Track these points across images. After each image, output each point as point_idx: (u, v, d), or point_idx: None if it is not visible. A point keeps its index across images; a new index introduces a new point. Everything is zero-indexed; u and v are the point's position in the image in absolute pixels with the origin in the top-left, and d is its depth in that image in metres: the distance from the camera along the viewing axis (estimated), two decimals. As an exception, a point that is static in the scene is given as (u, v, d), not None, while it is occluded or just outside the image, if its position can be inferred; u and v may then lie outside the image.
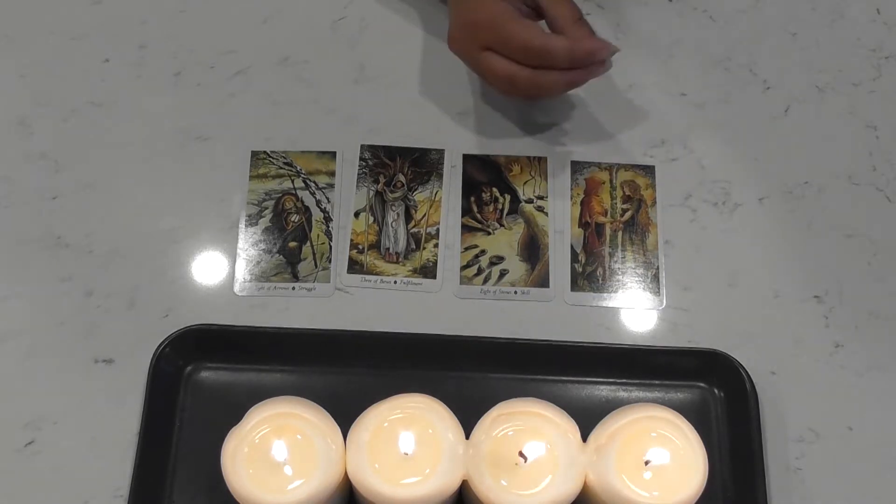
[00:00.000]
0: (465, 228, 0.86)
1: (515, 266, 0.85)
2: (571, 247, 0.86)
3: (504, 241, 0.86)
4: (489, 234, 0.86)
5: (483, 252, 0.85)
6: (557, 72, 0.83)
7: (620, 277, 0.85)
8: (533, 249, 0.85)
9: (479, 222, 0.86)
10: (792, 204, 0.88)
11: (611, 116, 0.91)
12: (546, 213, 0.87)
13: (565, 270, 0.85)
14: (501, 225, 0.86)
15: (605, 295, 0.84)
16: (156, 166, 0.88)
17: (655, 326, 0.83)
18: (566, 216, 0.87)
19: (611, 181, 0.88)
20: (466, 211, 0.87)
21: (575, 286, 0.84)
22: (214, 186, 0.87)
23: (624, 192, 0.88)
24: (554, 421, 0.70)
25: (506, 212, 0.87)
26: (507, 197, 0.87)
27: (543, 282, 0.84)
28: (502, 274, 0.84)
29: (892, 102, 0.92)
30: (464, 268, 0.84)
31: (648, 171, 0.89)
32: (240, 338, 0.80)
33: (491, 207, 0.87)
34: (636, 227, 0.87)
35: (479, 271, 0.84)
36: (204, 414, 0.78)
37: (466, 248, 0.85)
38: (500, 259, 0.85)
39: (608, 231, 0.87)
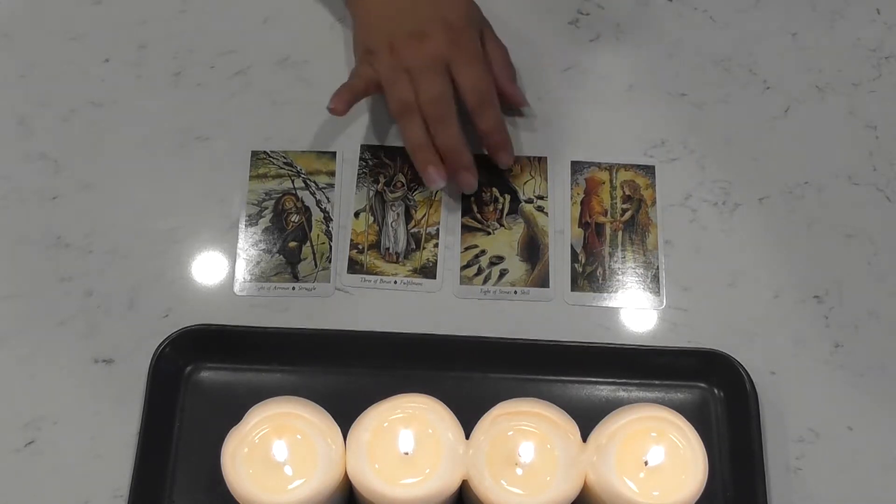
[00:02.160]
0: (465, 228, 0.86)
1: (515, 266, 0.85)
2: (571, 247, 0.86)
3: (504, 240, 0.86)
4: (489, 234, 0.86)
5: (483, 252, 0.85)
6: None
7: (620, 277, 0.85)
8: (533, 249, 0.85)
9: (479, 222, 0.86)
10: (792, 204, 0.88)
11: (611, 116, 0.91)
12: (546, 213, 0.87)
13: (565, 270, 0.85)
14: (501, 225, 0.86)
15: (605, 295, 0.84)
16: (156, 166, 0.88)
17: (655, 326, 0.83)
18: (566, 216, 0.87)
19: (611, 181, 0.88)
20: (466, 211, 0.87)
21: (575, 286, 0.84)
22: (214, 186, 0.87)
23: (624, 191, 0.88)
24: (554, 421, 0.70)
25: (506, 212, 0.87)
26: (507, 197, 0.87)
27: (543, 282, 0.84)
28: (502, 274, 0.84)
29: (892, 102, 0.92)
30: (464, 268, 0.84)
31: (648, 171, 0.89)
32: (240, 338, 0.80)
33: (491, 207, 0.87)
34: (636, 227, 0.87)
35: (479, 271, 0.84)
36: (204, 414, 0.78)
37: (466, 248, 0.85)
38: (500, 259, 0.85)
39: (608, 231, 0.87)
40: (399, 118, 0.85)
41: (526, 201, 0.87)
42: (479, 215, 0.87)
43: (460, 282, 0.84)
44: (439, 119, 0.83)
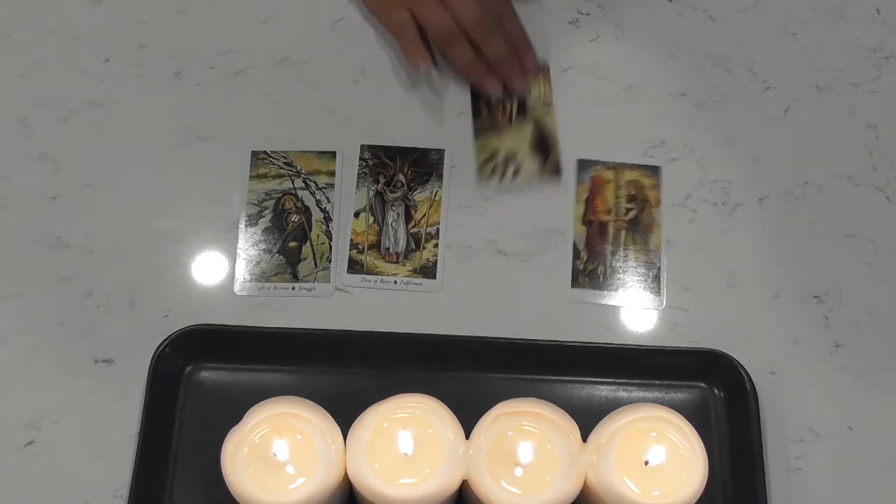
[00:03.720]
0: (478, 130, 0.89)
1: (529, 161, 0.88)
2: (574, 244, 0.86)
3: (516, 139, 0.88)
4: (502, 133, 0.88)
5: (497, 150, 0.88)
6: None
7: (622, 276, 0.85)
8: (543, 145, 0.88)
9: (492, 124, 0.89)
10: (792, 204, 0.88)
11: (611, 116, 0.91)
12: (553, 117, 0.89)
13: (566, 266, 0.85)
14: (512, 124, 0.89)
15: (605, 293, 0.84)
16: (156, 166, 0.88)
17: (655, 326, 0.83)
18: (569, 212, 0.87)
19: (616, 180, 0.88)
20: (477, 113, 0.89)
21: (576, 283, 0.84)
22: (214, 186, 0.87)
23: (629, 191, 0.88)
24: (554, 421, 0.71)
25: (515, 113, 0.89)
26: (516, 103, 0.90)
27: (557, 169, 0.87)
28: (517, 170, 0.87)
29: (892, 102, 0.92)
30: (480, 167, 0.87)
31: (654, 171, 0.89)
32: (240, 338, 0.80)
33: (501, 110, 0.89)
34: (639, 227, 0.87)
35: (495, 169, 0.87)
36: (204, 414, 0.78)
37: (481, 148, 0.88)
38: (514, 155, 0.87)
39: (611, 230, 0.87)
40: (445, 46, 0.87)
41: (533, 107, 0.90)
42: (490, 117, 0.89)
43: (478, 181, 0.87)
44: (485, 34, 0.86)
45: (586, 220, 0.87)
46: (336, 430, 0.70)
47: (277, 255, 0.85)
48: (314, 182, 0.88)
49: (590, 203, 0.88)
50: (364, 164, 0.88)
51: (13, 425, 0.78)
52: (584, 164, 0.89)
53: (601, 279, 0.85)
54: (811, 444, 0.79)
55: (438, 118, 0.90)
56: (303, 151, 0.89)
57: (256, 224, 0.86)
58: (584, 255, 0.86)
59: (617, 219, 0.87)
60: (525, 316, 0.83)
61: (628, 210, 0.87)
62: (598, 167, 0.89)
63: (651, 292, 0.84)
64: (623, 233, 0.86)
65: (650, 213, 0.87)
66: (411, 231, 0.86)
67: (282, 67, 0.92)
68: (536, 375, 0.80)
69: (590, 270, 0.85)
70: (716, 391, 0.80)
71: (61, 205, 0.86)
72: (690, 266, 0.86)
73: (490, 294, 0.84)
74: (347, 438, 0.70)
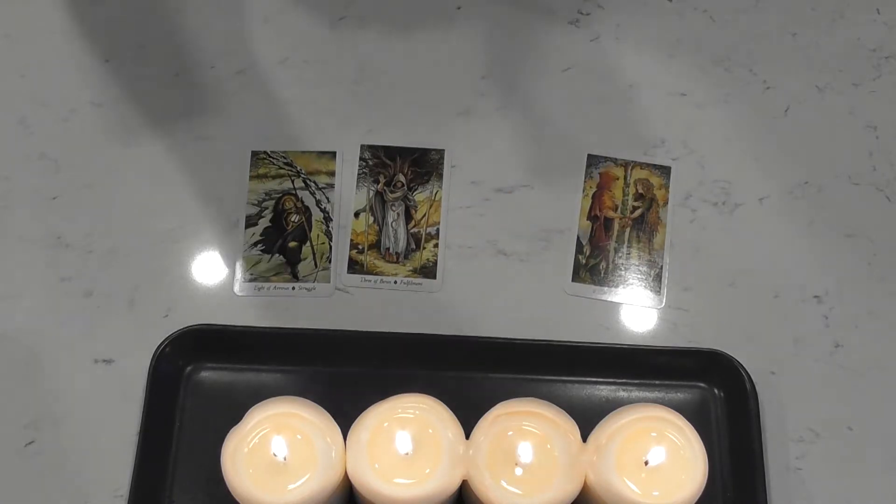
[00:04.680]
0: None
1: None
2: (577, 238, 0.86)
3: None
4: None
5: None
6: None
7: (623, 273, 0.85)
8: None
9: None
10: (792, 204, 0.88)
11: (611, 116, 0.91)
12: None
13: (566, 265, 0.85)
14: None
15: (605, 289, 0.84)
16: (156, 166, 0.88)
17: (655, 326, 0.83)
18: (574, 207, 0.87)
19: (625, 178, 0.88)
20: None
21: (576, 277, 0.84)
22: (214, 186, 0.87)
23: (637, 189, 0.88)
24: (554, 421, 0.70)
25: None
26: None
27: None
28: None
29: (892, 102, 0.92)
30: None
31: (664, 171, 0.89)
32: (240, 338, 0.80)
33: None
34: (644, 226, 0.87)
35: None
36: (204, 414, 0.78)
37: None
38: None
39: (616, 226, 0.87)
40: None
41: None
42: None
43: None
44: None
45: (591, 216, 0.87)
46: (336, 430, 0.70)
47: (277, 255, 0.85)
48: (314, 182, 0.88)
49: (597, 198, 0.88)
50: (364, 164, 0.89)
51: (13, 425, 0.78)
52: (593, 160, 0.89)
53: (602, 275, 0.85)
54: (811, 444, 0.79)
55: (438, 118, 0.90)
56: (303, 151, 0.89)
57: (256, 224, 0.86)
58: (586, 250, 0.86)
59: (623, 216, 0.87)
60: (525, 316, 0.83)
61: (635, 208, 0.87)
62: (608, 163, 0.89)
63: (651, 291, 0.84)
64: (628, 230, 0.87)
65: (656, 213, 0.87)
66: (411, 231, 0.86)
67: (282, 67, 0.92)
68: (536, 375, 0.80)
69: (591, 265, 0.85)
70: (716, 391, 0.80)
71: (61, 205, 0.86)
72: (690, 266, 0.86)
73: (490, 294, 0.84)
74: (347, 438, 0.70)
